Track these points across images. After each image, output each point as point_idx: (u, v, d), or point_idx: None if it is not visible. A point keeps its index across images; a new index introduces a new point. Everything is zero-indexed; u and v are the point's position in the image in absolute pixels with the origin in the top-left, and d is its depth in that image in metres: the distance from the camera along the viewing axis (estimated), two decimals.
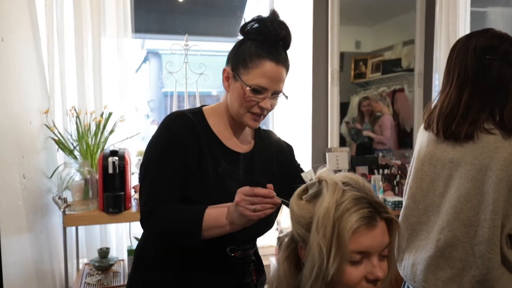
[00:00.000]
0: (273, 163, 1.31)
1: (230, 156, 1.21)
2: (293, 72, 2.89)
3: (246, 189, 1.02)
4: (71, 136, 2.22)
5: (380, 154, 3.03)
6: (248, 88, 1.14)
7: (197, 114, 1.22)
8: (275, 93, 1.18)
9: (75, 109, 2.21)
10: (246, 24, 1.18)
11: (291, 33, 1.19)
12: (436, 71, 2.90)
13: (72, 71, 2.30)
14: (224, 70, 1.21)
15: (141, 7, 2.73)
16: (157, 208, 1.11)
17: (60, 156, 2.28)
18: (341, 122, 2.97)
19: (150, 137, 1.21)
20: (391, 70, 3.09)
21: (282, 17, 1.18)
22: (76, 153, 2.18)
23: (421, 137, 1.40)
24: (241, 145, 1.27)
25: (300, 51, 2.86)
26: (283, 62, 1.17)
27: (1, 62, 1.53)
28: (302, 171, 1.30)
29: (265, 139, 1.34)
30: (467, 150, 1.23)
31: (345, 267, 0.80)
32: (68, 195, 2.07)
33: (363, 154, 3.02)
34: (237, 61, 1.17)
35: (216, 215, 1.08)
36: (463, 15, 2.85)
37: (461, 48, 1.29)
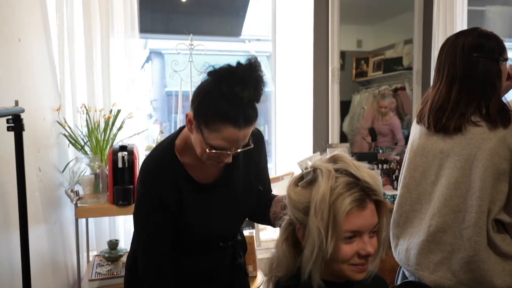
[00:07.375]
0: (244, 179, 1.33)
1: (201, 191, 1.24)
2: (295, 70, 3.00)
3: None
4: (81, 132, 2.31)
5: (381, 151, 3.07)
6: (206, 148, 1.11)
7: (168, 156, 1.22)
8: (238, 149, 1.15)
9: (85, 107, 2.31)
10: (216, 70, 1.09)
11: (263, 87, 1.09)
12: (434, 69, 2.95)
13: (81, 70, 2.39)
14: (187, 114, 1.14)
15: (146, 8, 2.80)
16: (159, 279, 1.22)
17: (71, 151, 2.37)
18: (342, 120, 3.01)
19: (152, 137, 1.26)
20: (392, 69, 3.11)
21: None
22: (87, 148, 2.27)
23: (414, 131, 1.49)
24: (212, 175, 1.27)
25: (301, 50, 2.92)
26: (247, 123, 1.09)
27: (19, 61, 1.63)
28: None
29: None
30: (456, 141, 1.31)
31: (340, 245, 0.89)
32: (79, 189, 2.15)
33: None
34: (199, 113, 1.10)
35: None
36: (460, 14, 2.90)
37: (450, 47, 1.38)
